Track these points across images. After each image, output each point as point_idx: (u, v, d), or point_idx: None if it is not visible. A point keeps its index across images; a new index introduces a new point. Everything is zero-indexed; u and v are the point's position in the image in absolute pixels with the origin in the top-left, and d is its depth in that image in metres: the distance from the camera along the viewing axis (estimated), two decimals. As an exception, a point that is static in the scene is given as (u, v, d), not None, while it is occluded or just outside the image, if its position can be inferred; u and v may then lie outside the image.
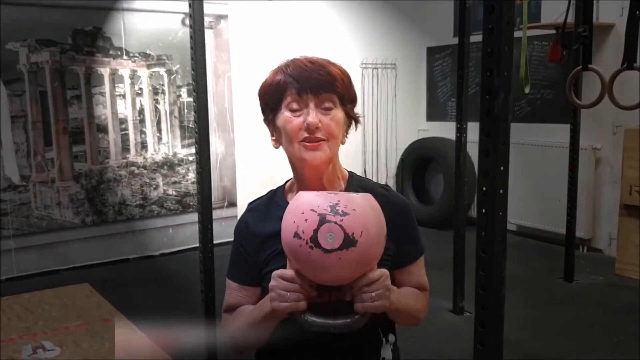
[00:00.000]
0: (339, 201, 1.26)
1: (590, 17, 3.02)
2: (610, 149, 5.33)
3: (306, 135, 1.40)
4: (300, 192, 1.35)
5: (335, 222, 1.23)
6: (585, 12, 3.02)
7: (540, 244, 5.77)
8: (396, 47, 6.94)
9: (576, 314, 4.17)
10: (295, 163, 1.47)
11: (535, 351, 3.61)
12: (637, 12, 2.69)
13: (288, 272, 1.31)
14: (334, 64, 1.47)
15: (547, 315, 4.15)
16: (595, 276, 4.87)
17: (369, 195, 1.33)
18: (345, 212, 1.24)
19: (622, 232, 4.83)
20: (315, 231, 1.23)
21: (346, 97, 1.47)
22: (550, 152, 5.66)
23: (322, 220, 1.23)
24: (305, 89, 1.40)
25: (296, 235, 1.25)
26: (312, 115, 1.39)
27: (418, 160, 6.88)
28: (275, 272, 1.33)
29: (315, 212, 1.25)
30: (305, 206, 1.27)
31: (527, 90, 2.97)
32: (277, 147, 1.51)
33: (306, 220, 1.25)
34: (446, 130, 6.67)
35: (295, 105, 1.42)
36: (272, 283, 1.32)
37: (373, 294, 1.29)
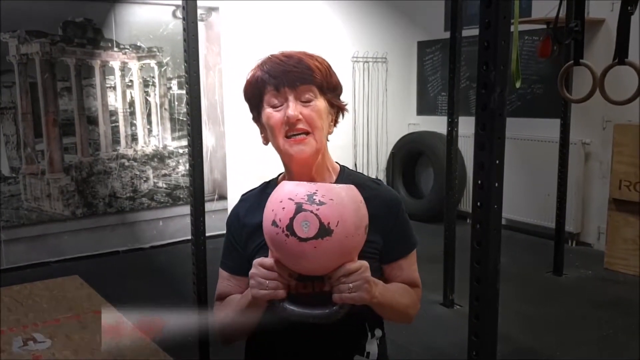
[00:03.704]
0: (316, 190, 1.27)
1: (583, 12, 3.04)
2: (599, 143, 5.36)
3: (288, 128, 1.41)
4: (283, 182, 1.36)
5: (311, 211, 1.24)
6: (577, 7, 3.04)
7: (530, 238, 5.80)
8: (387, 41, 6.94)
9: (565, 308, 4.20)
10: (283, 158, 1.48)
11: (525, 344, 3.63)
12: (629, 8, 2.71)
13: (268, 260, 1.32)
14: (310, 56, 1.47)
15: (537, 309, 4.18)
16: (584, 270, 4.91)
17: (351, 187, 1.34)
18: (322, 201, 1.25)
19: (611, 227, 4.86)
20: (292, 219, 1.24)
21: (325, 86, 1.46)
22: (540, 147, 5.69)
23: (299, 208, 1.24)
24: (283, 83, 1.41)
25: (274, 223, 1.27)
26: (292, 108, 1.40)
27: (408, 154, 6.90)
28: (256, 260, 1.34)
29: (293, 200, 1.26)
30: (284, 195, 1.29)
31: (518, 85, 2.98)
32: (266, 144, 1.52)
33: (283, 208, 1.26)
34: (436, 124, 6.70)
35: (275, 101, 1.42)
36: (252, 271, 1.34)
37: (350, 285, 1.29)
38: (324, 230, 1.23)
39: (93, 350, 1.83)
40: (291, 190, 1.29)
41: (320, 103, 1.44)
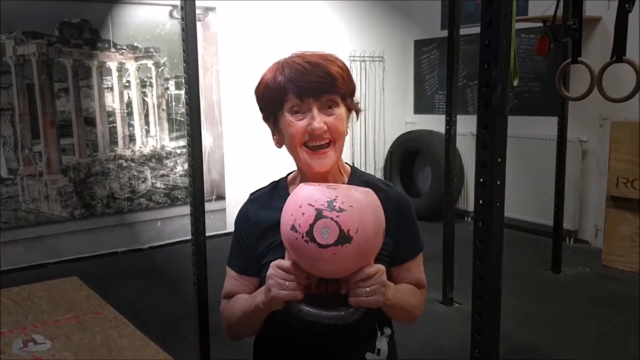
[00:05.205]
0: (336, 197, 1.26)
1: (580, 10, 3.05)
2: (596, 141, 5.37)
3: (309, 138, 1.39)
4: (301, 185, 1.35)
5: (332, 218, 1.23)
6: (575, 6, 3.04)
7: (528, 235, 5.81)
8: (384, 40, 6.95)
9: (564, 305, 4.21)
10: (301, 167, 1.46)
11: (524, 342, 3.64)
12: (626, 6, 2.71)
13: (285, 262, 1.32)
14: (330, 60, 1.43)
15: (535, 306, 4.19)
16: (582, 267, 4.92)
17: (369, 191, 1.33)
18: (342, 208, 1.24)
19: (609, 224, 4.87)
20: (311, 226, 1.24)
21: (347, 93, 1.45)
22: (537, 145, 5.70)
23: (319, 215, 1.24)
24: (307, 94, 1.38)
25: (293, 228, 1.26)
26: (317, 120, 1.37)
27: (406, 153, 6.91)
28: (274, 262, 1.34)
29: (313, 206, 1.25)
30: (303, 200, 1.28)
31: (515, 83, 2.97)
32: (279, 147, 1.49)
33: (303, 214, 1.25)
34: (434, 122, 6.72)
35: (297, 109, 1.40)
36: (270, 272, 1.33)
37: (367, 289, 1.30)
38: (344, 237, 1.23)
39: (93, 351, 1.83)
40: (310, 195, 1.28)
41: (342, 110, 1.43)
